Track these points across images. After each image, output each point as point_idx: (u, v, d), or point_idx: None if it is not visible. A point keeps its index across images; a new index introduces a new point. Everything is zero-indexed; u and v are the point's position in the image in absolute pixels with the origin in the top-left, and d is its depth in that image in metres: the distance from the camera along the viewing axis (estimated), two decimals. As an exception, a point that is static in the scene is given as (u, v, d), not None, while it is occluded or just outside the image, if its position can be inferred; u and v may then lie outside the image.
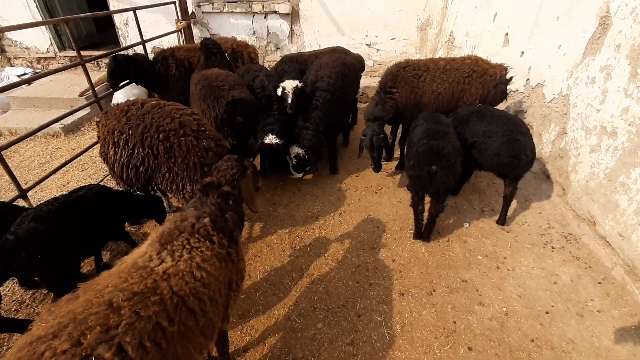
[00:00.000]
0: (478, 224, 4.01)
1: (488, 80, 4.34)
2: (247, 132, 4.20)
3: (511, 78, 4.47)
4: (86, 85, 7.16)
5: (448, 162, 3.07)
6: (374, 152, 4.15)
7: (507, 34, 5.52)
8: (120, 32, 7.90)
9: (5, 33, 8.30)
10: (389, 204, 4.38)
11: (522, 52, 5.12)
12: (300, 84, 4.32)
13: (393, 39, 7.26)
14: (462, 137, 3.72)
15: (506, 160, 3.45)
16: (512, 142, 3.41)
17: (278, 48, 7.65)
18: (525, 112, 5.01)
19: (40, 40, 8.17)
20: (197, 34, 7.65)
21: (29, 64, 8.48)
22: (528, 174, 4.50)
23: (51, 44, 8.20)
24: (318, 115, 4.30)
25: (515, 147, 3.41)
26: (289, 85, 4.25)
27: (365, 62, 7.36)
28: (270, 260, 3.62)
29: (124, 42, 7.97)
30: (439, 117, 3.80)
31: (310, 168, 4.66)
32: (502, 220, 3.94)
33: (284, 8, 7.02)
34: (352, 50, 7.40)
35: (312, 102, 4.31)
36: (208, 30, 7.62)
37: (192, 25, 7.37)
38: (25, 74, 8.28)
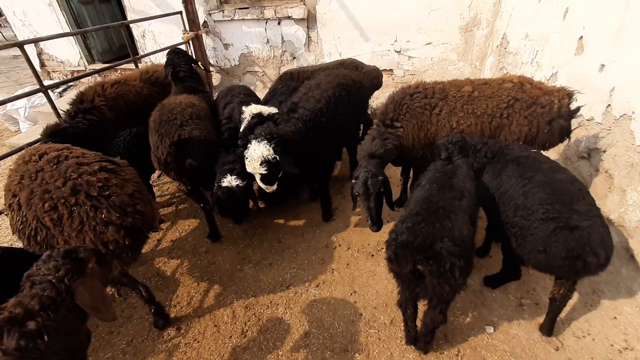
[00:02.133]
0: (510, 328, 2.73)
1: (539, 113, 2.97)
2: (204, 176, 3.39)
3: (578, 109, 3.04)
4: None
5: (440, 265, 1.91)
6: (370, 202, 2.96)
7: (581, 37, 3.94)
8: (138, 45, 7.70)
9: (44, 49, 8.68)
10: (384, 278, 3.27)
11: (602, 66, 3.56)
12: (271, 112, 3.41)
13: (429, 43, 5.92)
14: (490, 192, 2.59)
15: (560, 262, 2.15)
16: (568, 233, 2.11)
17: (294, 58, 6.77)
18: (603, 152, 3.47)
19: (72, 54, 8.36)
20: (210, 44, 7.11)
21: (64, 77, 8.77)
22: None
23: (81, 57, 8.35)
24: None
25: (575, 242, 2.09)
26: (249, 111, 3.37)
27: (395, 72, 6.18)
28: (210, 349, 2.80)
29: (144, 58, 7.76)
30: (458, 169, 2.58)
31: (285, 189, 3.58)
32: (549, 329, 2.62)
33: (298, 12, 6.10)
34: (380, 59, 6.27)
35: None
36: (221, 40, 7.03)
37: (204, 35, 6.84)
38: (60, 88, 8.56)
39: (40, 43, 8.32)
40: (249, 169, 3.10)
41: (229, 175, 3.25)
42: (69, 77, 8.85)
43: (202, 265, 3.63)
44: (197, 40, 6.46)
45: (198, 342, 2.88)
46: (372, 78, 4.82)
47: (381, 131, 3.17)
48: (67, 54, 8.40)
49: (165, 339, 2.90)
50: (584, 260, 2.08)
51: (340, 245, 3.72)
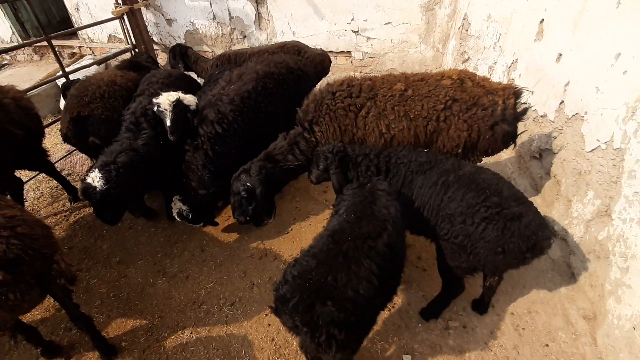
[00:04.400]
0: (431, 357, 2.47)
1: (480, 116, 2.59)
2: None
3: (525, 111, 2.66)
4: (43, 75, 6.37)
5: (314, 334, 1.56)
6: (241, 216, 2.94)
7: (542, 20, 3.53)
8: (73, 19, 6.87)
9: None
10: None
11: (560, 55, 3.17)
12: (187, 99, 2.94)
13: (388, 23, 5.37)
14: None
15: (520, 256, 2.01)
16: (518, 224, 1.98)
17: (245, 36, 6.13)
18: (554, 154, 3.14)
19: (2, 29, 7.46)
20: (152, 19, 6.37)
21: (-3, 55, 7.88)
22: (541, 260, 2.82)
23: (13, 32, 7.46)
24: (202, 157, 2.92)
25: (529, 231, 1.97)
26: (165, 100, 2.88)
27: (353, 54, 5.67)
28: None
29: (81, 32, 6.97)
30: (379, 192, 2.18)
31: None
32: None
33: (244, -16, 5.43)
34: (336, 40, 5.71)
35: (195, 140, 2.92)
36: (163, 14, 6.29)
37: (143, 9, 6.10)
38: (-11, 66, 7.71)
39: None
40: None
41: (94, 172, 2.74)
42: (3, 56, 7.98)
43: (111, 279, 3.25)
44: (133, 15, 5.73)
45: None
46: (317, 64, 4.32)
47: (295, 134, 2.75)
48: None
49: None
50: (541, 248, 1.99)
51: (266, 255, 3.36)
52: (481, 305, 2.61)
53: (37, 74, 7.28)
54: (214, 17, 6.04)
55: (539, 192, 3.38)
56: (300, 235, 3.51)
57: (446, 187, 2.13)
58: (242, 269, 3.25)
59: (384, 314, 2.73)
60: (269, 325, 2.75)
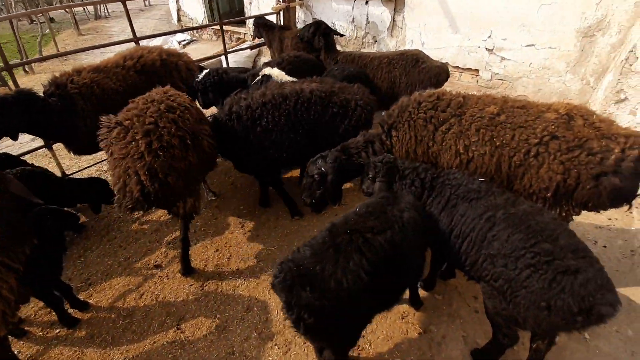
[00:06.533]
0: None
1: (583, 162, 2.22)
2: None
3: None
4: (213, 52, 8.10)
5: (290, 313, 1.74)
6: (308, 197, 3.04)
7: None
8: (246, 10, 8.38)
9: (182, 7, 10.22)
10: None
11: None
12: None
13: (531, 45, 4.79)
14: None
15: (569, 319, 1.72)
16: (572, 279, 1.68)
17: (376, 41, 6.39)
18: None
19: (199, 13, 9.65)
20: (302, 17, 7.25)
21: (190, 32, 10.25)
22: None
23: (205, 16, 9.56)
24: None
25: (584, 290, 1.66)
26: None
27: (480, 73, 5.35)
28: None
29: (248, 21, 8.44)
30: (400, 196, 2.21)
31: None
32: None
33: (387, -8, 5.66)
34: (466, 56, 5.43)
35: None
36: (312, 13, 7.08)
37: (297, 7, 7.02)
38: (185, 40, 10.09)
39: (179, 1, 9.86)
40: None
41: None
42: (195, 32, 10.32)
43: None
44: (288, 12, 6.67)
45: None
46: (432, 76, 4.26)
47: (374, 134, 2.85)
48: (196, 12, 9.74)
49: None
50: (599, 314, 1.65)
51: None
52: None
53: (210, 50, 9.21)
54: (353, 20, 6.49)
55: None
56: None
57: (492, 223, 1.95)
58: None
59: (413, 333, 2.65)
60: None
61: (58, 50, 9.35)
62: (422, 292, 2.98)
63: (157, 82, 3.68)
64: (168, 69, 4.20)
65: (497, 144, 2.42)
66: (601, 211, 2.43)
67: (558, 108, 2.32)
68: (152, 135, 2.55)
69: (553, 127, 2.28)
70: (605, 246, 3.35)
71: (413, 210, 2.13)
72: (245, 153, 3.36)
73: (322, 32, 4.98)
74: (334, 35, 5.14)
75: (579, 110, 2.30)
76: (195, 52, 8.75)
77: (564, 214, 2.43)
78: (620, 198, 2.22)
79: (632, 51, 3.82)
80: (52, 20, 12.58)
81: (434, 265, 2.84)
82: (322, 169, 2.86)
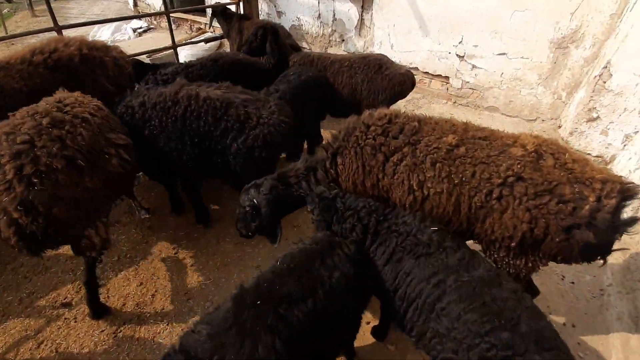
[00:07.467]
0: None
1: (553, 210, 1.85)
2: None
3: (632, 222, 1.81)
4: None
5: None
6: (242, 229, 2.57)
7: None
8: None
9: (139, -9, 9.33)
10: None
11: None
12: None
13: (503, 53, 4.48)
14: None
15: None
16: None
17: (343, 40, 5.92)
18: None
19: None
20: (265, 9, 6.66)
21: (148, 19, 9.38)
22: None
23: (163, 3, 8.73)
24: None
25: None
26: None
27: (451, 81, 4.98)
28: None
29: (208, 10, 7.75)
30: (338, 247, 1.82)
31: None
32: None
33: (354, -12, 5.19)
34: (436, 62, 5.06)
35: None
36: (275, 6, 6.51)
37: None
38: (141, 27, 9.22)
39: (135, -16, 8.99)
40: None
41: None
42: (152, 19, 9.45)
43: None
44: (248, 3, 6.06)
45: None
46: (395, 84, 3.84)
47: (317, 160, 2.40)
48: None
49: None
50: None
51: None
52: None
53: (168, 40, 8.43)
54: (319, 16, 5.98)
55: None
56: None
57: (441, 291, 1.57)
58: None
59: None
60: None
61: (6, 33, 8.32)
62: (371, 341, 2.59)
63: (75, 81, 3.11)
64: (90, 65, 3.55)
65: (456, 181, 2.03)
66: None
67: (525, 143, 1.94)
68: (23, 158, 1.98)
69: (519, 166, 1.90)
70: (573, 282, 3.08)
71: (348, 265, 1.75)
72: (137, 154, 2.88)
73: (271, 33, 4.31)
74: (301, 32, 4.59)
75: (549, 147, 1.93)
76: (150, 42, 7.96)
77: (530, 265, 2.08)
78: (593, 254, 1.89)
79: (606, 67, 3.55)
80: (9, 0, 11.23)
81: (385, 312, 2.45)
82: (255, 200, 2.39)
